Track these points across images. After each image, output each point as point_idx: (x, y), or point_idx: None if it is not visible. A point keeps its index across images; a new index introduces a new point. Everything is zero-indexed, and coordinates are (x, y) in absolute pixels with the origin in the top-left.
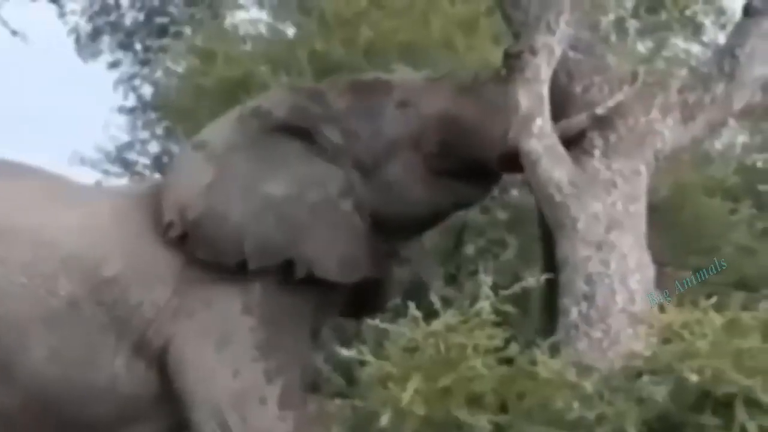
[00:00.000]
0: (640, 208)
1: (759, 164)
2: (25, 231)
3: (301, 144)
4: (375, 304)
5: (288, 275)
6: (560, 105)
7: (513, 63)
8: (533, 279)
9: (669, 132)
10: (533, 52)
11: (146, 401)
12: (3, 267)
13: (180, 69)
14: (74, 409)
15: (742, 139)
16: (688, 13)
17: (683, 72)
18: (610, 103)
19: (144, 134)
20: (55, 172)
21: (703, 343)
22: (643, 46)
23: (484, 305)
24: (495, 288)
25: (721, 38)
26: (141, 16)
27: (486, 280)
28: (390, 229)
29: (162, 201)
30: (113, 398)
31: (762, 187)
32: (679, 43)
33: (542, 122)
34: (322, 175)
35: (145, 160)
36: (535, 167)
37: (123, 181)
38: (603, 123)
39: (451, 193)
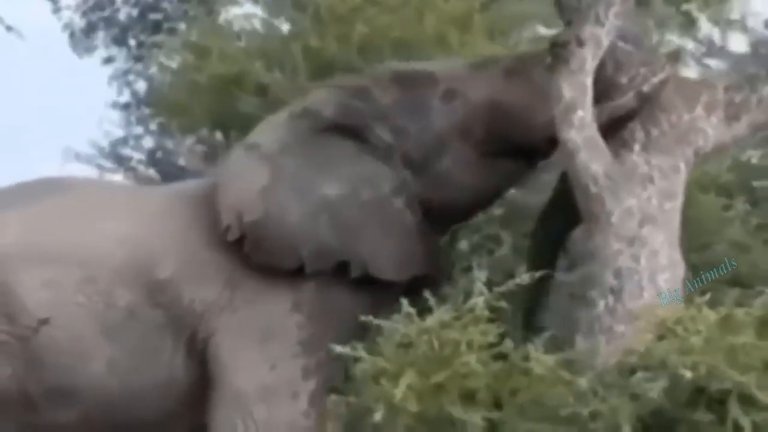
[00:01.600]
0: (676, 205)
1: (753, 160)
2: (74, 249)
3: (352, 143)
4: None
5: (342, 275)
6: (605, 94)
7: (559, 52)
8: (527, 275)
9: (712, 130)
10: (580, 43)
11: (195, 395)
12: (58, 290)
13: (174, 65)
14: (134, 413)
15: None
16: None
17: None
18: (655, 80)
19: (138, 130)
20: (92, 177)
21: (698, 339)
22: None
23: (478, 301)
24: (489, 284)
25: (716, 35)
26: (135, 12)
27: (480, 276)
28: (441, 219)
29: (218, 203)
30: (170, 396)
31: (756, 184)
32: (674, 39)
33: (583, 113)
34: (373, 174)
35: (139, 156)
36: (573, 158)
37: (117, 177)
38: (646, 117)
39: (499, 173)
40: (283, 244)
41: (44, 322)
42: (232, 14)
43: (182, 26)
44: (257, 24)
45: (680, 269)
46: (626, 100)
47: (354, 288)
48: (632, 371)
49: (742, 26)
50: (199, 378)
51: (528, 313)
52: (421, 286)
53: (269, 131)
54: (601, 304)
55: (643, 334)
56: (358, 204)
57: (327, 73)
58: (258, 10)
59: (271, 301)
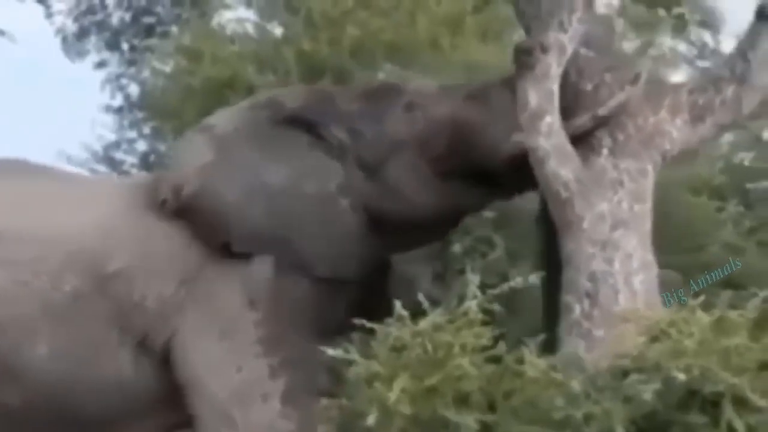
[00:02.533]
0: (646, 208)
1: (746, 162)
2: (29, 230)
3: (306, 137)
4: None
5: (296, 270)
6: (570, 103)
7: (523, 59)
8: (521, 278)
9: (677, 132)
10: (544, 49)
11: (154, 396)
12: (9, 267)
13: (167, 68)
14: (78, 404)
15: (729, 137)
16: (675, 11)
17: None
18: (612, 103)
19: (131, 133)
20: (59, 166)
21: (691, 341)
22: (630, 45)
23: (472, 304)
24: (482, 287)
25: (708, 38)
26: (128, 16)
27: (473, 279)
28: (395, 235)
29: (160, 178)
30: (119, 393)
31: (749, 186)
32: (666, 41)
33: (551, 120)
34: (322, 170)
35: (132, 159)
36: (543, 164)
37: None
38: (612, 122)
39: (456, 198)
40: (215, 220)
41: None
42: (224, 18)
43: (175, 30)
44: (250, 28)
45: (653, 270)
46: (582, 121)
47: (305, 285)
48: (625, 374)
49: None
50: (157, 379)
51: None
52: (372, 290)
53: (227, 115)
54: (577, 308)
55: (625, 336)
56: (299, 195)
57: (319, 76)
58: (250, 14)
59: (228, 298)
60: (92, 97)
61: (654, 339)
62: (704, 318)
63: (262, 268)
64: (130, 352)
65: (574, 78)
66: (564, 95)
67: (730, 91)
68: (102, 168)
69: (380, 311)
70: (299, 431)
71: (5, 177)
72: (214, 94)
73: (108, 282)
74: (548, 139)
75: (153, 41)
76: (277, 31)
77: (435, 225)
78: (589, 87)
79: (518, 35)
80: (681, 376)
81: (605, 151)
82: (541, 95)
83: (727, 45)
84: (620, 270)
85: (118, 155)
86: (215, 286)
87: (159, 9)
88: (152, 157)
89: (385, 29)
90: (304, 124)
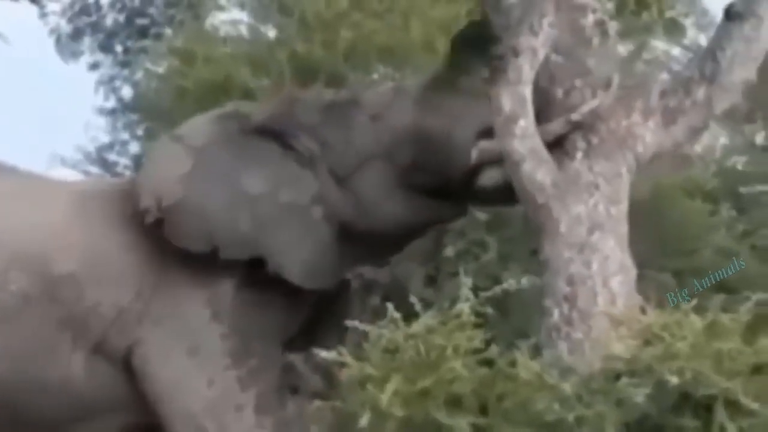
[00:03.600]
0: (622, 210)
1: (739, 166)
2: None
3: (277, 147)
4: (326, 327)
5: (254, 276)
6: (541, 108)
7: (496, 65)
8: (513, 281)
9: (650, 135)
10: (516, 53)
11: (107, 400)
12: None
13: (160, 70)
14: (26, 404)
15: (722, 141)
16: (668, 15)
17: (664, 75)
18: (585, 109)
19: (124, 135)
20: (19, 167)
21: (683, 344)
22: (623, 48)
23: (464, 307)
24: (475, 289)
25: (702, 40)
26: (121, 18)
27: (466, 281)
28: (363, 246)
29: (137, 188)
30: (67, 395)
31: (742, 190)
32: (659, 45)
33: (525, 123)
34: (295, 179)
35: (125, 161)
36: (518, 169)
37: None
38: (585, 126)
39: (425, 210)
40: (200, 228)
41: None
42: (218, 20)
43: (169, 32)
44: (243, 29)
45: (632, 272)
46: (556, 125)
47: (268, 296)
48: (618, 377)
49: None
50: (115, 382)
51: None
52: (329, 303)
53: (196, 126)
54: (556, 312)
55: (607, 338)
56: (276, 204)
57: (313, 78)
58: (244, 16)
59: (192, 310)
60: (85, 98)
61: (647, 342)
62: (697, 321)
63: (225, 280)
64: (84, 356)
65: (546, 84)
66: (536, 101)
67: (700, 92)
68: (95, 170)
69: (330, 321)
70: None
71: None
72: (207, 95)
73: (56, 285)
74: (523, 142)
75: (146, 43)
76: (271, 33)
77: (401, 237)
78: (560, 93)
79: None
80: (674, 380)
81: (579, 155)
82: (515, 99)
83: None
84: (598, 272)
85: (112, 157)
86: (179, 299)
87: (152, 10)
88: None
89: (379, 32)
90: (273, 134)
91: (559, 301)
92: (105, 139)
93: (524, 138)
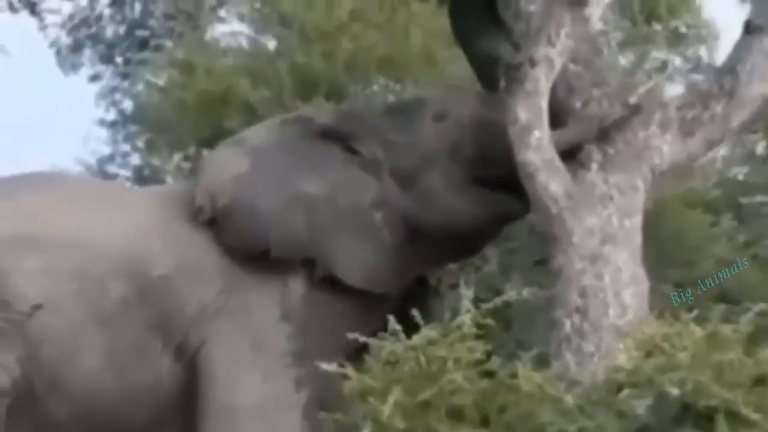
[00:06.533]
0: (636, 222)
1: (740, 177)
2: (70, 238)
3: (339, 150)
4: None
5: (330, 286)
6: (559, 118)
7: (512, 74)
8: (514, 292)
9: (667, 148)
10: (533, 63)
11: (176, 404)
12: (52, 276)
13: (161, 82)
14: (120, 413)
15: (723, 151)
16: (673, 25)
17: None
18: (607, 121)
19: (125, 147)
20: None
21: (684, 356)
22: (624, 59)
23: (465, 318)
24: (476, 301)
25: (703, 51)
26: (122, 29)
27: (467, 293)
28: (434, 247)
29: (195, 187)
30: (155, 401)
31: (743, 200)
32: (660, 55)
33: (540, 134)
34: (357, 183)
35: (126, 173)
36: (532, 179)
37: None
38: (601, 137)
39: (494, 205)
40: (252, 227)
41: (37, 307)
42: (218, 31)
43: (169, 43)
44: (243, 41)
45: (644, 285)
46: (572, 136)
47: (343, 300)
48: (619, 388)
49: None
50: (183, 386)
51: None
52: (410, 307)
53: (258, 131)
54: (568, 323)
55: (616, 351)
56: (334, 207)
57: (313, 90)
58: (244, 28)
59: (262, 311)
60: (86, 110)
61: (648, 353)
62: (698, 332)
63: (297, 280)
64: (170, 359)
65: (563, 94)
66: (553, 111)
67: (719, 106)
68: None
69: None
70: None
71: (41, 187)
72: (207, 107)
73: (152, 288)
74: (537, 153)
75: (147, 55)
76: (271, 44)
77: (473, 235)
78: (578, 103)
79: None
80: (674, 391)
81: (595, 166)
82: (531, 110)
83: (722, 58)
84: (610, 284)
85: (112, 169)
86: (250, 297)
87: (153, 22)
88: (146, 171)
89: (379, 43)
90: (337, 137)
91: (571, 313)
92: (106, 150)
93: (539, 148)
